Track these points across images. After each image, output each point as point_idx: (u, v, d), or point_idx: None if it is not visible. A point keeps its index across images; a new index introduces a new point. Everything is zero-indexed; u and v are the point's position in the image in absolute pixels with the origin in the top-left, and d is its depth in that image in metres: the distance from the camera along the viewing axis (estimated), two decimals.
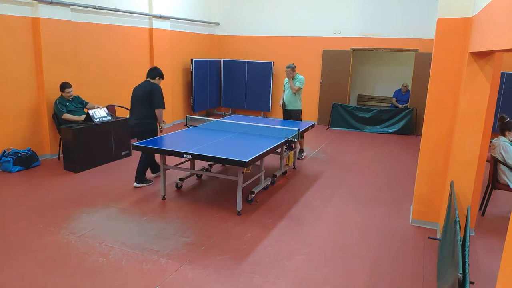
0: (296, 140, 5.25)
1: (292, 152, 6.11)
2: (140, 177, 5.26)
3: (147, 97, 5.04)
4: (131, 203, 4.74)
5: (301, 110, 6.91)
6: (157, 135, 5.16)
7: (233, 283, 3.18)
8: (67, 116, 6.01)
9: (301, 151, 7.07)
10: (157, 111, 5.14)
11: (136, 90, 5.19)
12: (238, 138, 5.19)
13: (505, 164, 4.50)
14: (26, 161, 5.82)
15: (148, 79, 5.20)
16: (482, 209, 4.74)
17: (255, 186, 5.01)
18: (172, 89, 9.39)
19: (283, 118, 6.99)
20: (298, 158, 6.88)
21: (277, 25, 10.36)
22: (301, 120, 6.88)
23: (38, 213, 4.37)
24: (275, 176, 5.59)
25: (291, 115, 6.88)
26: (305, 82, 6.79)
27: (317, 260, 3.59)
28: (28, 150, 5.92)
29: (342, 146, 8.06)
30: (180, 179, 5.31)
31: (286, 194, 5.21)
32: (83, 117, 6.05)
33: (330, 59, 9.91)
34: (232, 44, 10.95)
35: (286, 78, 6.81)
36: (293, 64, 6.70)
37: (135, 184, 5.23)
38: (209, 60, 10.42)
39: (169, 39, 9.00)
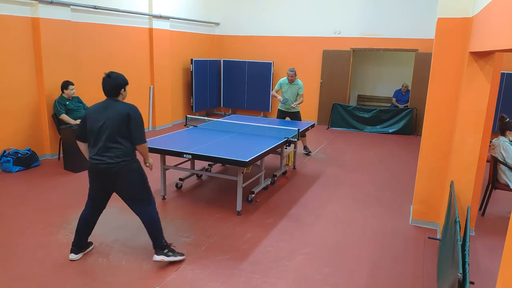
0: (296, 140, 5.26)
1: (292, 152, 6.12)
2: (161, 243, 3.40)
3: (126, 125, 3.16)
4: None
5: (299, 111, 7.03)
6: (145, 175, 3.37)
7: (233, 283, 3.18)
8: (64, 117, 6.00)
9: (306, 148, 7.21)
10: (139, 147, 3.26)
11: (103, 116, 3.17)
12: (238, 138, 5.19)
13: (505, 164, 4.50)
14: (26, 161, 5.82)
15: (111, 96, 3.25)
16: (482, 209, 4.74)
17: (255, 186, 5.02)
18: (172, 89, 9.40)
19: (278, 118, 6.99)
20: (308, 154, 7.17)
21: (277, 25, 10.36)
22: (301, 120, 6.95)
23: (38, 213, 4.37)
24: (275, 176, 5.59)
25: (291, 116, 6.95)
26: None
27: (317, 260, 3.59)
28: (28, 150, 5.92)
29: (342, 146, 8.06)
30: (180, 179, 5.31)
31: (286, 194, 5.21)
32: (79, 121, 6.02)
33: (330, 59, 9.91)
34: (232, 44, 10.95)
35: (284, 80, 6.83)
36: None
37: (154, 257, 3.38)
38: (209, 60, 10.42)
39: (169, 39, 9.00)
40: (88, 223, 3.44)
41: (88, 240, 3.57)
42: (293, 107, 6.82)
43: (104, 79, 3.21)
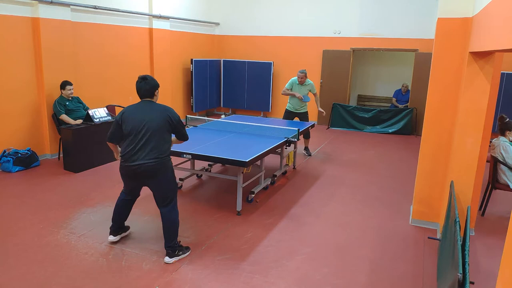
0: (296, 140, 5.26)
1: (292, 152, 6.12)
2: (175, 245, 3.49)
3: (165, 125, 3.33)
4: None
5: (307, 111, 7.10)
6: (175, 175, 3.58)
7: (233, 283, 3.18)
8: (64, 117, 6.00)
9: (307, 149, 7.23)
10: (181, 142, 3.66)
11: (143, 117, 3.30)
12: (238, 138, 5.19)
13: (505, 164, 4.50)
14: (26, 161, 5.82)
15: (147, 97, 3.41)
16: (482, 209, 4.74)
17: (255, 186, 5.02)
18: (172, 89, 9.40)
19: (287, 119, 6.97)
20: (309, 155, 7.19)
21: (277, 25, 10.36)
22: (308, 120, 7.02)
23: (38, 213, 4.37)
24: (275, 176, 5.59)
25: (300, 117, 7.00)
26: None
27: (317, 260, 3.59)
28: (28, 150, 5.92)
29: (342, 146, 8.06)
30: (180, 179, 5.31)
31: (286, 194, 5.21)
32: (79, 121, 6.03)
33: (330, 59, 9.91)
34: (232, 44, 10.95)
35: (295, 80, 6.82)
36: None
37: (167, 259, 3.46)
38: (209, 60, 10.42)
39: (169, 39, 9.00)
40: (123, 208, 3.72)
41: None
42: (322, 111, 7.14)
43: (139, 82, 3.37)
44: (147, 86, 3.36)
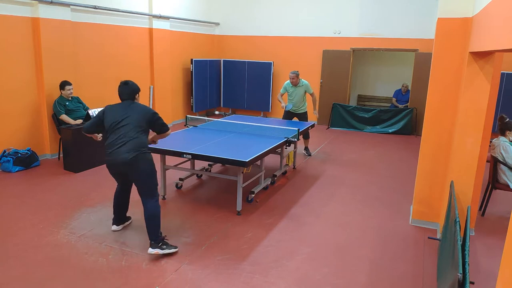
0: (296, 140, 5.26)
1: (292, 152, 6.12)
2: (158, 237, 3.55)
3: (144, 120, 3.55)
4: (131, 203, 4.72)
5: (306, 111, 7.06)
6: (155, 168, 3.66)
7: (233, 283, 3.18)
8: (64, 117, 6.00)
9: (307, 149, 7.23)
10: (164, 134, 3.80)
11: (124, 112, 3.54)
12: (238, 138, 5.19)
13: (505, 164, 4.50)
14: (26, 161, 5.82)
15: (128, 99, 3.65)
16: (482, 209, 4.74)
17: (255, 186, 5.02)
18: (172, 89, 9.40)
19: (286, 119, 6.97)
20: (309, 155, 7.19)
21: (277, 25, 10.36)
22: (307, 120, 7.00)
23: (38, 213, 4.37)
24: (275, 176, 5.59)
25: (300, 117, 6.97)
26: None
27: (317, 260, 3.59)
28: (28, 150, 5.92)
29: (342, 146, 8.06)
30: (180, 179, 5.31)
31: (286, 194, 5.21)
32: (79, 121, 6.03)
33: (330, 59, 9.90)
34: (232, 44, 10.95)
35: (288, 83, 6.82)
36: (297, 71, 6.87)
37: (149, 250, 3.52)
38: (209, 60, 10.42)
39: (169, 39, 9.00)
40: (120, 200, 3.94)
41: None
42: (316, 115, 7.14)
43: (121, 86, 3.63)
44: (128, 90, 3.62)
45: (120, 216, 4.02)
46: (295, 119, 6.99)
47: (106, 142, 3.58)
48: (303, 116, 6.98)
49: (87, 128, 3.73)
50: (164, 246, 3.54)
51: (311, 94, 6.93)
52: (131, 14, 7.86)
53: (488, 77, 3.54)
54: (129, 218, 4.16)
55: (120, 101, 3.67)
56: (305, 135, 6.93)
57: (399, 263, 3.60)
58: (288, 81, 6.81)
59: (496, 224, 4.53)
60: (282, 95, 6.98)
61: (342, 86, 9.94)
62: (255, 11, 10.53)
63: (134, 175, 3.54)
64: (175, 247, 3.62)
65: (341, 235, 4.11)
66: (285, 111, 6.94)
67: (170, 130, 3.82)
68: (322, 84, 10.09)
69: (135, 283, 3.14)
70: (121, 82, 3.67)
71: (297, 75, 6.72)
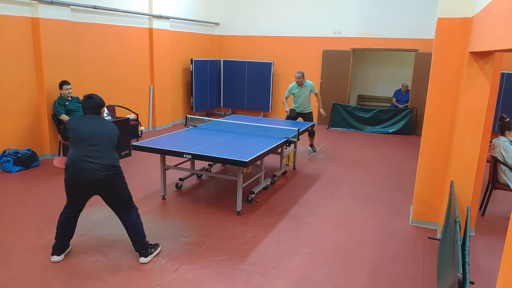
0: (296, 140, 5.26)
1: (292, 152, 6.13)
2: (145, 245, 3.49)
3: (113, 137, 3.43)
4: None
5: (311, 111, 7.17)
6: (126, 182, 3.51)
7: (233, 283, 3.18)
8: (64, 117, 6.00)
9: (312, 146, 7.40)
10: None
11: (93, 126, 3.35)
12: (238, 138, 5.19)
13: (505, 164, 4.50)
14: (26, 161, 5.82)
15: (92, 114, 3.46)
16: (482, 209, 4.74)
17: (255, 186, 5.01)
18: (172, 89, 9.40)
19: (290, 119, 6.96)
20: (314, 151, 7.37)
21: (277, 25, 10.36)
22: (313, 121, 7.11)
23: (38, 213, 4.37)
24: (275, 176, 5.59)
25: (305, 117, 7.07)
26: None
27: (317, 260, 3.59)
28: (28, 150, 5.92)
29: (342, 146, 8.06)
30: (180, 179, 5.31)
31: (286, 194, 5.21)
32: None
33: (330, 59, 9.90)
34: (232, 44, 10.95)
35: (294, 85, 6.91)
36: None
37: (143, 260, 3.45)
38: (209, 60, 10.41)
39: (169, 39, 9.00)
40: (69, 225, 3.49)
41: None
42: (322, 113, 7.29)
43: (85, 100, 3.44)
44: (92, 104, 3.43)
45: (65, 244, 3.51)
46: (300, 119, 7.03)
47: (71, 155, 3.28)
48: (308, 116, 7.07)
49: (66, 138, 3.66)
50: (153, 250, 3.53)
51: (316, 94, 7.11)
52: (131, 14, 7.86)
53: (488, 77, 3.54)
54: (69, 245, 3.59)
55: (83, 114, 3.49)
56: (311, 132, 7.06)
57: (399, 263, 3.60)
58: (294, 83, 6.95)
59: (496, 224, 4.53)
60: (287, 98, 7.10)
61: (342, 86, 9.94)
62: (255, 11, 10.52)
63: (112, 193, 3.35)
64: (158, 244, 3.64)
65: (341, 235, 4.11)
66: (290, 110, 7.01)
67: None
68: (322, 84, 10.09)
69: (135, 283, 3.14)
70: (84, 96, 3.49)
71: (303, 75, 6.86)
